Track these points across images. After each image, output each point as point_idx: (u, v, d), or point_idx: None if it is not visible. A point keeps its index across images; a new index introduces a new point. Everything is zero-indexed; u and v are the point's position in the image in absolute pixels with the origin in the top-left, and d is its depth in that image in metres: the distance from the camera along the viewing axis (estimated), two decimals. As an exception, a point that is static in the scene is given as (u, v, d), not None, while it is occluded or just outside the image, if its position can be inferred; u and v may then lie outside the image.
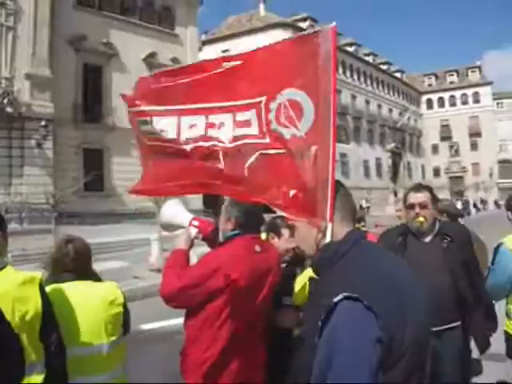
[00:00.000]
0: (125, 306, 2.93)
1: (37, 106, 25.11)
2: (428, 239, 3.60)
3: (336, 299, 1.44)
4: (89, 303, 2.73)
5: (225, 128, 2.37)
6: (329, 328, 1.44)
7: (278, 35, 43.18)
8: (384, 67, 69.66)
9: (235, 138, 2.32)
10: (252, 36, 49.70)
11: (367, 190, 53.70)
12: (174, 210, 3.18)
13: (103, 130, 28.99)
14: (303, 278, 3.28)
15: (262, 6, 55.99)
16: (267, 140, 2.20)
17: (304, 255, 3.58)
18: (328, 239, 1.72)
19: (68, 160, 26.98)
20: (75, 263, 2.82)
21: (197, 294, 2.63)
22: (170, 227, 3.26)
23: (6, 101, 23.63)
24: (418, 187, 3.75)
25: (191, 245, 2.96)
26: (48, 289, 2.61)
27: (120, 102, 3.16)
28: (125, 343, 2.95)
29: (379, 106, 65.72)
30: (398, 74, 73.97)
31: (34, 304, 2.23)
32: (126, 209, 27.50)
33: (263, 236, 3.48)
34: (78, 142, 28.00)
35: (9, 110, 23.71)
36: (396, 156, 66.59)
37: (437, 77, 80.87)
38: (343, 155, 53.27)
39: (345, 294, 1.43)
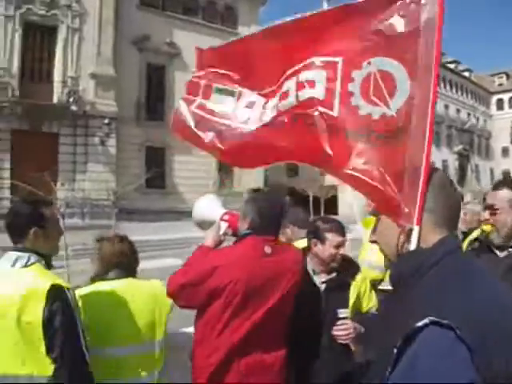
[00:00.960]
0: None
1: (101, 104, 25.78)
2: (503, 254, 2.82)
3: (420, 323, 1.09)
4: (141, 300, 2.67)
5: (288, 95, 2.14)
6: (407, 359, 1.10)
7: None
8: (451, 66, 67.41)
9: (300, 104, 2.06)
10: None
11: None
12: (208, 206, 2.95)
13: (165, 129, 29.19)
14: (356, 288, 3.09)
15: (325, 5, 55.21)
16: (335, 113, 1.84)
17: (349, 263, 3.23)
18: (413, 246, 1.33)
19: (130, 157, 27.50)
20: (125, 260, 2.74)
21: (197, 292, 2.52)
22: (202, 224, 2.96)
23: (71, 99, 24.42)
24: (499, 184, 2.96)
25: (220, 241, 2.77)
26: (94, 286, 2.66)
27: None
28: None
29: (446, 107, 63.48)
30: (466, 74, 71.39)
31: (35, 313, 2.07)
32: (186, 207, 27.60)
33: (304, 243, 3.20)
34: (140, 140, 28.46)
35: (74, 108, 24.40)
36: (463, 158, 64.29)
37: (508, 76, 77.40)
38: (408, 157, 51.82)
39: (431, 317, 1.08)
